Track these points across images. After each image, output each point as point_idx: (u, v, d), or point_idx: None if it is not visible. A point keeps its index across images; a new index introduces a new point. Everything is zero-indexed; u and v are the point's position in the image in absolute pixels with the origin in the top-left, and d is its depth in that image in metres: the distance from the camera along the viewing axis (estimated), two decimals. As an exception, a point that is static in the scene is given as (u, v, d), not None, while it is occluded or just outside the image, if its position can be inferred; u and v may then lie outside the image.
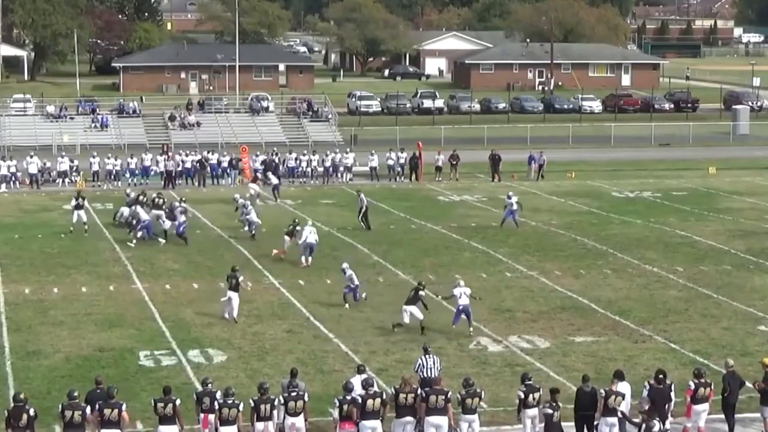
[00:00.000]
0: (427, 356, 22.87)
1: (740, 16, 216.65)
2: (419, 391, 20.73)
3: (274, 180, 52.16)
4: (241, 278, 30.12)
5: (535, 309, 31.82)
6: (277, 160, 57.50)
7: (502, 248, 40.20)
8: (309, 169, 58.22)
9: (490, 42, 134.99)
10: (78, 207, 42.23)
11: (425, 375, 22.31)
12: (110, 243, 40.96)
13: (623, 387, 21.24)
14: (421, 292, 29.34)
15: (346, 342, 28.31)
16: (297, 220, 39.49)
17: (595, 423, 20.68)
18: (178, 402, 20.21)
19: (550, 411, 20.34)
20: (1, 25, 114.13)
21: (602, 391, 20.67)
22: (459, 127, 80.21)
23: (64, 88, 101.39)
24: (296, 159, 58.33)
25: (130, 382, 24.61)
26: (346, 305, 31.47)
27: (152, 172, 56.89)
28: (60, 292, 33.52)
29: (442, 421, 20.52)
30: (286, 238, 38.05)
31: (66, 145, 66.12)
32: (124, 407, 19.88)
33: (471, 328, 28.97)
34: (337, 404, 20.49)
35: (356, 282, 31.63)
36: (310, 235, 37.06)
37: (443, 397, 20.54)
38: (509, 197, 43.90)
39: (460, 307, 28.82)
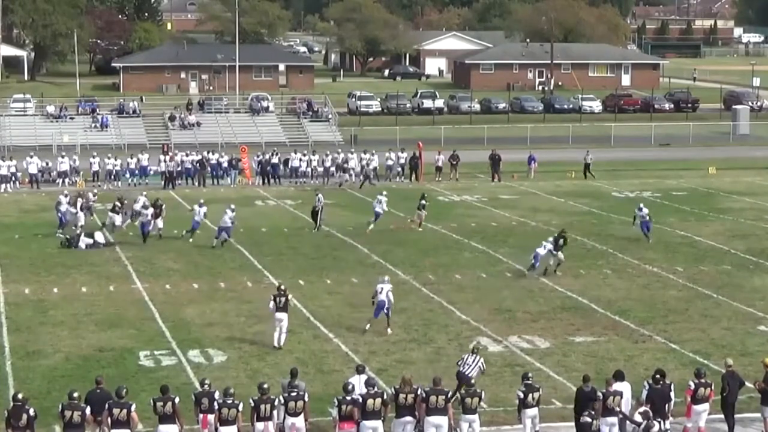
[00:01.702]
0: (473, 354, 23.20)
1: (740, 16, 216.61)
2: (419, 391, 20.75)
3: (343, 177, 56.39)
4: (290, 296, 28.23)
5: (535, 309, 31.81)
6: (277, 161, 57.56)
7: (502, 248, 40.21)
8: (309, 169, 58.20)
9: (490, 42, 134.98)
10: (113, 211, 42.31)
11: (461, 369, 22.81)
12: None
13: (623, 387, 21.26)
14: (561, 241, 35.77)
15: (346, 342, 28.30)
16: (425, 194, 45.22)
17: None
18: (177, 400, 20.21)
19: (588, 419, 20.20)
20: (1, 25, 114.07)
21: (600, 393, 20.66)
22: (459, 127, 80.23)
23: (64, 88, 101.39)
24: (300, 159, 58.28)
25: (130, 382, 24.47)
26: (389, 330, 28.96)
27: (151, 172, 56.85)
28: (60, 292, 33.52)
29: (443, 421, 20.52)
30: (420, 212, 43.71)
31: (66, 145, 66.10)
32: (133, 408, 19.91)
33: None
34: (337, 404, 20.50)
35: (384, 298, 28.67)
36: (377, 205, 42.78)
37: (443, 397, 20.54)
38: (640, 209, 41.39)
39: (537, 255, 35.16)
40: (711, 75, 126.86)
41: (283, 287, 28.28)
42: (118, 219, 41.95)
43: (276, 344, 27.55)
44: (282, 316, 27.58)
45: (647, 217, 41.04)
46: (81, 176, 55.88)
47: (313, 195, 45.24)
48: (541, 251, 35.43)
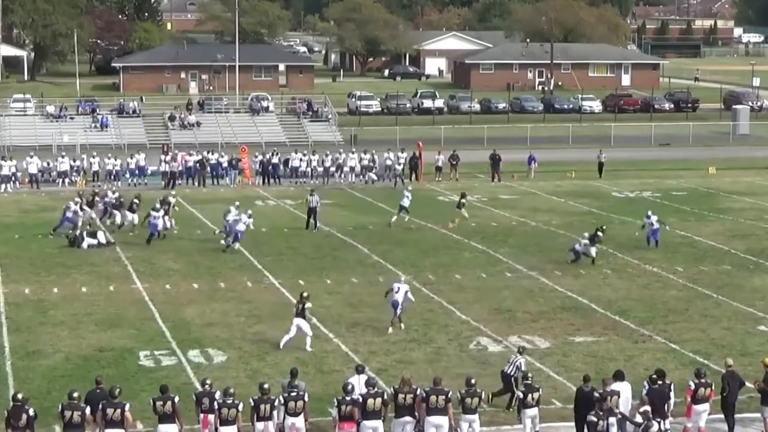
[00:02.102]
0: (516, 355, 23.68)
1: (740, 16, 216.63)
2: (419, 391, 20.76)
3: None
4: (308, 305, 27.64)
5: (535, 309, 31.81)
6: (277, 161, 57.56)
7: (502, 248, 40.21)
8: (309, 169, 58.19)
9: (490, 42, 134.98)
10: (131, 209, 42.56)
11: (504, 369, 23.48)
12: (110, 243, 40.98)
13: (623, 387, 21.25)
14: (600, 234, 37.55)
15: (346, 342, 28.30)
16: (465, 193, 45.35)
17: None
18: (176, 399, 20.21)
19: (594, 419, 20.15)
20: (1, 25, 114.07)
21: (597, 394, 20.63)
22: (459, 127, 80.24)
23: (64, 88, 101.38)
24: (300, 159, 58.24)
25: (130, 382, 24.58)
26: (390, 329, 29.06)
27: (148, 172, 56.80)
28: (60, 292, 33.51)
29: (443, 421, 20.53)
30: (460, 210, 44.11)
31: (66, 145, 66.08)
32: (127, 407, 19.86)
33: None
34: (336, 404, 20.50)
35: (398, 298, 29.07)
36: (404, 199, 43.92)
37: (443, 397, 20.55)
38: (648, 216, 40.45)
39: (576, 249, 37.27)
40: (711, 75, 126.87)
41: (305, 294, 27.99)
42: (135, 217, 42.56)
43: (281, 346, 27.41)
44: (298, 321, 27.40)
45: (655, 225, 40.22)
46: (81, 176, 55.81)
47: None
48: (578, 247, 37.39)
